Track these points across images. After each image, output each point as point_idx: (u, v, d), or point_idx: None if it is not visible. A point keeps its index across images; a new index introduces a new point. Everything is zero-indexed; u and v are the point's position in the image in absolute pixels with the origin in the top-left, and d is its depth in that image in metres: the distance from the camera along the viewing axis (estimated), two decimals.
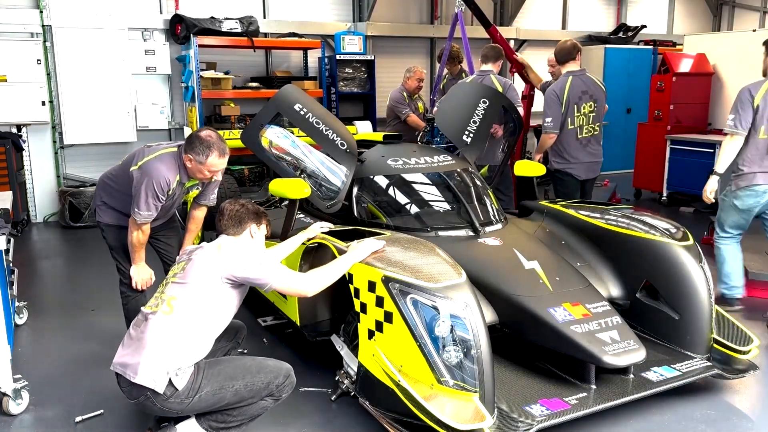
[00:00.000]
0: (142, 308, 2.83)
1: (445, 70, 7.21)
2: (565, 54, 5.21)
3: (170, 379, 2.62)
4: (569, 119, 5.10)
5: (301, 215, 4.40)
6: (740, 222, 4.47)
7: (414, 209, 4.13)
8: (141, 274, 3.55)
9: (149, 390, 2.61)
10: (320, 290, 2.92)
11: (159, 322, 2.70)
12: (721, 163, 4.36)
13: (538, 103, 6.65)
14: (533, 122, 7.69)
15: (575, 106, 5.09)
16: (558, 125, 5.07)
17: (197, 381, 2.68)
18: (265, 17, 8.88)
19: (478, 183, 4.36)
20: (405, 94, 7.01)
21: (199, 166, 3.34)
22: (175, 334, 2.68)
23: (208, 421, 2.80)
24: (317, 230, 3.50)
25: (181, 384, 2.63)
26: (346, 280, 3.11)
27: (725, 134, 4.36)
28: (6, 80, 7.14)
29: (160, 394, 2.61)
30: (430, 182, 4.25)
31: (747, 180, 4.32)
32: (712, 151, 7.89)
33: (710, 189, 4.45)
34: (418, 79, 7.00)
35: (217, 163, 3.36)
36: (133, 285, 3.56)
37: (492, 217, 4.10)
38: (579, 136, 5.16)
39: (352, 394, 3.22)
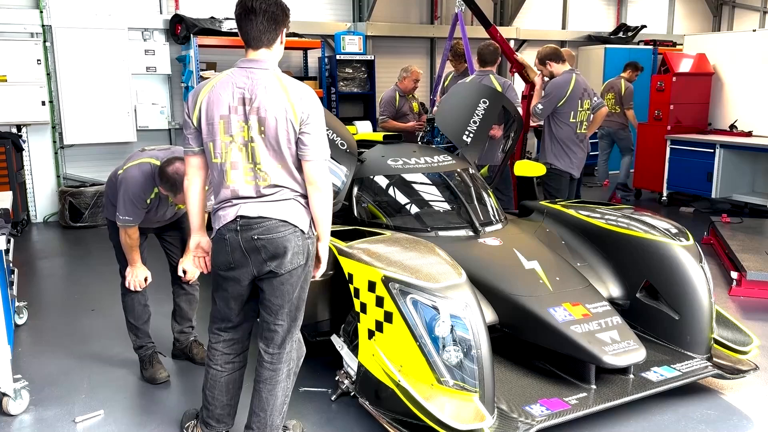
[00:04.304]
0: (242, 182, 2.58)
1: (451, 68, 7.12)
2: (561, 54, 5.52)
3: (310, 222, 2.67)
4: (572, 113, 5.31)
5: None
6: (602, 145, 8.74)
7: (414, 209, 4.13)
8: (135, 275, 3.55)
9: (299, 228, 2.62)
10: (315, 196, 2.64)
11: (270, 191, 2.60)
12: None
13: None
14: (533, 122, 7.66)
15: (579, 101, 5.31)
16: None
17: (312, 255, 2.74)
18: None
19: (478, 183, 4.36)
20: (398, 94, 6.88)
21: (170, 195, 3.30)
22: (289, 195, 2.64)
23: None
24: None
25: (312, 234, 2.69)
26: (346, 280, 3.11)
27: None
28: (6, 80, 7.13)
29: (304, 233, 2.64)
30: (430, 182, 4.25)
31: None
32: (712, 151, 7.89)
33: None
34: (415, 80, 6.93)
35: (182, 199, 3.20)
36: (126, 285, 3.57)
37: (492, 217, 4.11)
38: (578, 131, 5.40)
39: (352, 394, 3.22)
